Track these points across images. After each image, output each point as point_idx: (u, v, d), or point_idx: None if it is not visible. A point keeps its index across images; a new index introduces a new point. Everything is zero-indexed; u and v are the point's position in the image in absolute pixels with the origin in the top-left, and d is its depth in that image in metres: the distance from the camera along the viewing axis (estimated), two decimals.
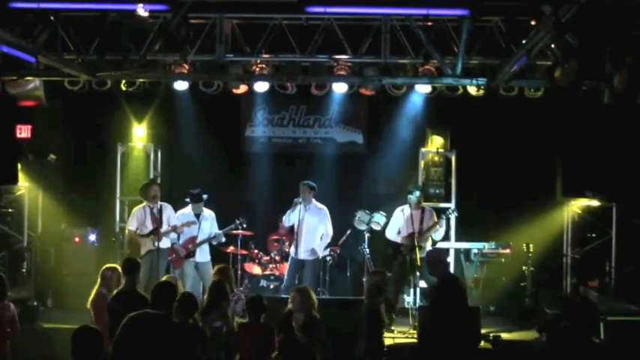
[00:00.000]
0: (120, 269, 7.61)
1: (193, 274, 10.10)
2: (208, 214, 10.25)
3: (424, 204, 10.30)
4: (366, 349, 7.15)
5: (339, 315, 8.17)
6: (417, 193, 10.07)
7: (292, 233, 10.60)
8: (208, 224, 10.20)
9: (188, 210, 10.21)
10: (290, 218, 10.11)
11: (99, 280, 7.75)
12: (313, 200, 10.10)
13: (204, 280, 9.84)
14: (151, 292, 5.88)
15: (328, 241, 10.23)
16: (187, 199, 10.17)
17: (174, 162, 12.05)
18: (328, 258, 10.75)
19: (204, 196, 10.15)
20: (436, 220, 10.08)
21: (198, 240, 10.08)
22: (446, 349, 6.92)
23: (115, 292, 7.33)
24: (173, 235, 10.07)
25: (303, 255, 9.99)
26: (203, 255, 10.19)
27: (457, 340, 6.99)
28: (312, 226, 10.01)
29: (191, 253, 10.08)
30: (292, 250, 10.16)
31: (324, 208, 10.14)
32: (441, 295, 7.24)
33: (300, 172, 11.53)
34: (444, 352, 6.95)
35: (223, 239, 10.33)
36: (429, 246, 10.04)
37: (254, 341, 6.79)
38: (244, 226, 10.31)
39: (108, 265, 8.01)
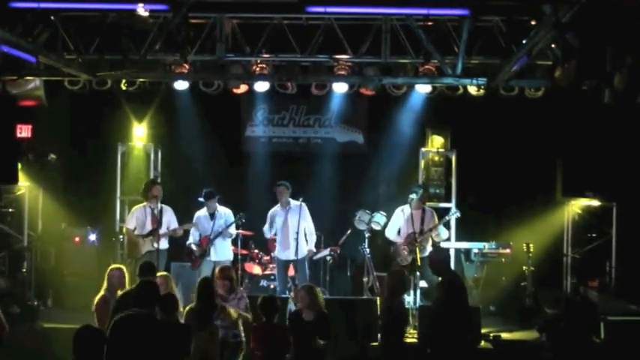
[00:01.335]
0: (125, 270, 7.67)
1: (207, 274, 10.07)
2: (223, 212, 10.23)
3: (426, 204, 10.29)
4: (384, 347, 7.18)
5: (339, 315, 8.18)
6: (420, 191, 10.03)
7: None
8: (223, 222, 10.17)
9: (203, 212, 10.23)
10: (271, 229, 10.23)
11: (105, 282, 7.73)
12: (290, 200, 10.15)
13: None
14: (134, 291, 5.87)
15: (314, 237, 10.28)
16: (201, 199, 10.17)
17: (174, 162, 12.05)
18: (328, 258, 10.75)
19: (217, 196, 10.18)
20: (437, 221, 10.06)
21: (211, 237, 10.09)
22: (449, 350, 6.90)
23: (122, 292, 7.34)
24: (194, 237, 10.13)
25: (292, 255, 10.08)
26: (221, 254, 10.15)
27: (461, 341, 6.97)
28: (295, 225, 10.02)
29: (205, 252, 10.09)
30: (278, 252, 10.24)
31: (303, 204, 10.13)
32: (448, 295, 7.21)
33: (301, 172, 11.55)
34: (448, 353, 6.93)
35: (233, 232, 10.31)
36: (429, 246, 10.03)
37: (268, 341, 6.80)
38: (244, 220, 10.30)
39: (114, 266, 8.01)
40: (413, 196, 10.00)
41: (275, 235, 10.39)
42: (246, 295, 7.99)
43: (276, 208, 10.27)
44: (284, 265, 10.23)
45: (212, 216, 10.13)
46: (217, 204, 10.16)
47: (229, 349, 7.46)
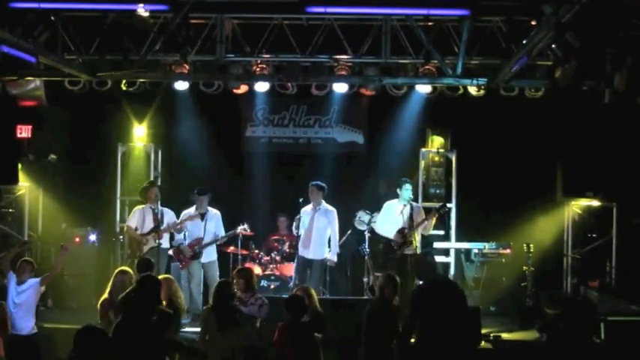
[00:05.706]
0: (131, 273, 7.61)
1: (199, 275, 10.13)
2: (214, 213, 10.26)
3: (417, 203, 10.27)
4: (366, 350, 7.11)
5: (339, 315, 8.17)
6: (408, 186, 10.02)
7: (292, 234, 10.60)
8: (213, 224, 10.21)
9: (193, 210, 10.24)
10: (300, 227, 10.09)
11: (110, 284, 7.62)
12: (323, 202, 10.15)
13: (210, 280, 9.86)
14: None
15: (335, 244, 10.24)
16: (193, 196, 10.19)
17: (175, 162, 12.05)
18: None
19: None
20: (424, 216, 10.05)
21: (205, 241, 10.10)
22: (437, 352, 6.74)
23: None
24: (179, 236, 10.10)
25: (312, 255, 10.09)
26: (209, 255, 10.20)
27: (452, 343, 6.78)
28: (321, 227, 10.09)
29: (196, 254, 10.10)
30: (300, 248, 10.15)
31: (334, 210, 10.20)
32: (422, 298, 7.01)
33: (301, 173, 11.55)
34: (436, 355, 6.77)
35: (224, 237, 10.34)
36: (417, 242, 10.01)
37: (295, 341, 6.79)
38: (248, 230, 10.33)
39: (121, 269, 7.92)
40: (399, 190, 9.97)
41: (300, 233, 10.27)
42: (267, 301, 7.75)
43: (307, 207, 10.19)
44: (303, 261, 10.14)
45: (202, 216, 10.15)
46: (208, 206, 10.19)
47: (249, 353, 7.48)
